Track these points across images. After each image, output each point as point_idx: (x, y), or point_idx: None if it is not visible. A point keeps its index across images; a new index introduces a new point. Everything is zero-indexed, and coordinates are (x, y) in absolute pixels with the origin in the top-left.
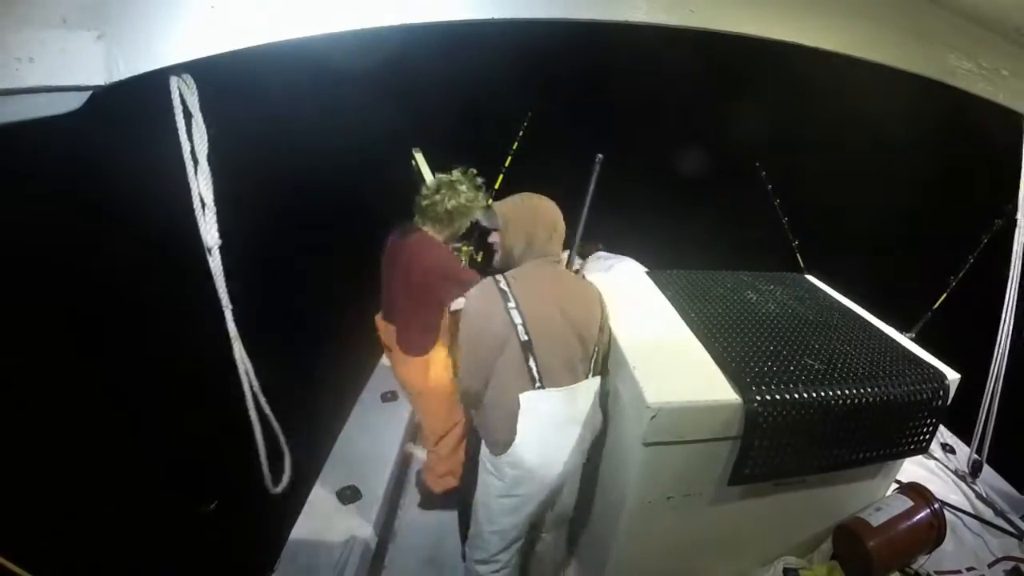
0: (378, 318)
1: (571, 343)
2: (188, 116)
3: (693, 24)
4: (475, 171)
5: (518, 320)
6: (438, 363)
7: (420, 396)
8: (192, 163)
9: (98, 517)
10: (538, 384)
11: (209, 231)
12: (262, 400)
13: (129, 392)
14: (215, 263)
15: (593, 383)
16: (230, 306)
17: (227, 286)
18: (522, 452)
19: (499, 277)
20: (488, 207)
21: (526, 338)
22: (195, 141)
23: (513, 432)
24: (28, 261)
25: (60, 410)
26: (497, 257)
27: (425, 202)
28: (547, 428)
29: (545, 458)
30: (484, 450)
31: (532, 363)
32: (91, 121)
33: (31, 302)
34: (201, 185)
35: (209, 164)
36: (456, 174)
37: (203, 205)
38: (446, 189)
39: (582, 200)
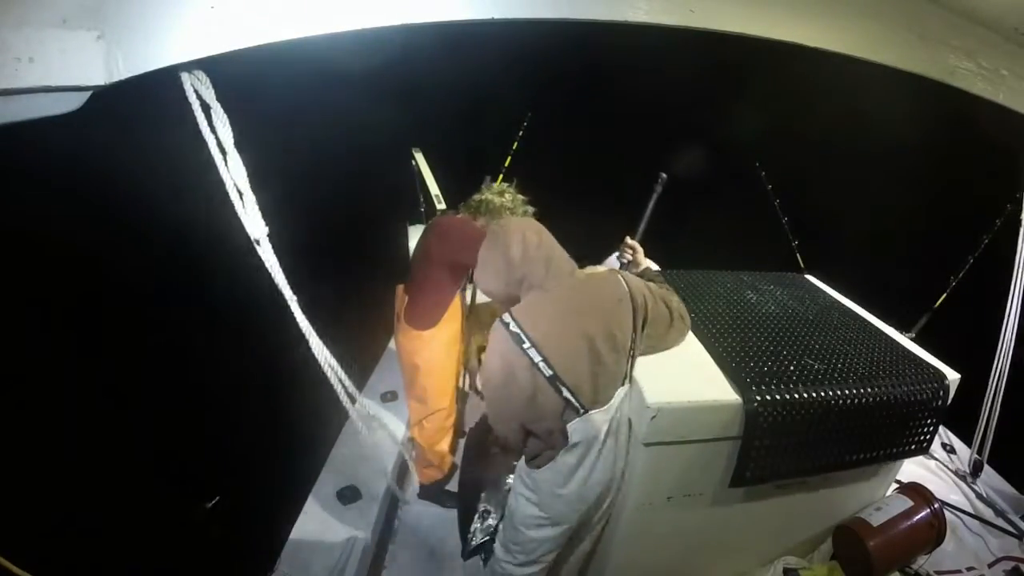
0: (399, 287)
1: (608, 358)
2: (207, 109)
3: (693, 24)
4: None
5: (536, 358)
6: (436, 344)
7: (409, 371)
8: (220, 155)
9: (98, 517)
10: (582, 411)
11: (254, 221)
12: (347, 383)
13: (127, 391)
14: (267, 253)
15: (627, 389)
16: (294, 297)
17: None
18: (567, 467)
19: (507, 319)
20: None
21: (550, 372)
22: (219, 132)
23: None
24: (27, 261)
25: (54, 411)
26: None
27: (474, 194)
28: (593, 450)
29: (587, 475)
30: (521, 464)
31: (567, 393)
32: (91, 121)
33: (30, 302)
34: (235, 175)
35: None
36: (513, 189)
37: (241, 196)
38: (495, 188)
39: (639, 217)
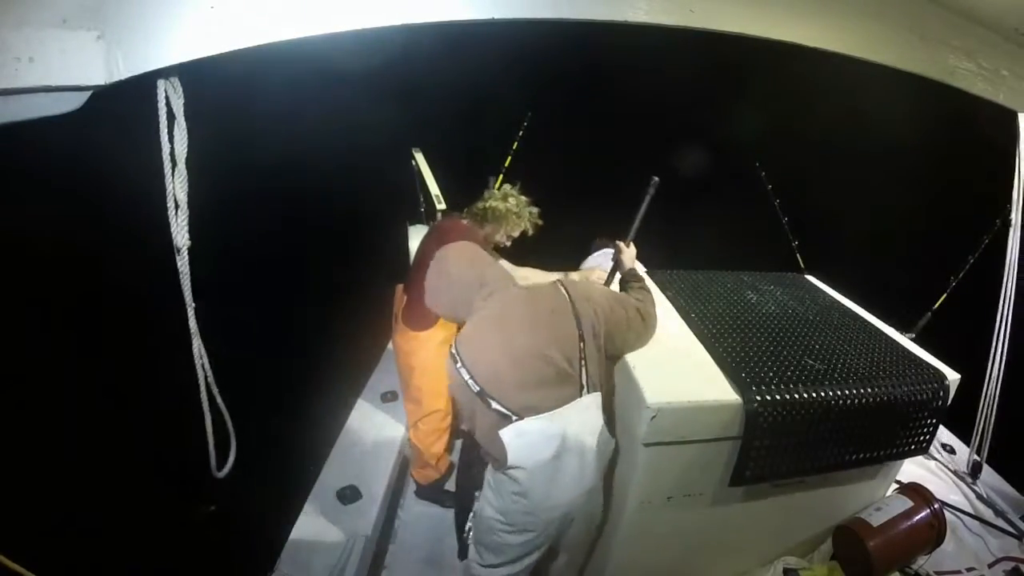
0: (399, 287)
1: (536, 368)
2: (172, 118)
3: (693, 24)
4: (532, 204)
5: (466, 376)
6: (432, 345)
7: (405, 372)
8: (170, 165)
9: (98, 517)
10: (515, 418)
11: (180, 232)
12: (214, 389)
13: (129, 393)
14: (183, 263)
15: (588, 401)
16: (193, 304)
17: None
18: (520, 477)
19: (452, 343)
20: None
21: (478, 388)
22: (175, 143)
23: (505, 458)
24: (27, 261)
25: (53, 410)
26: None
27: (479, 201)
28: (541, 458)
29: (545, 489)
30: (489, 467)
31: (496, 405)
32: (91, 121)
33: (29, 302)
34: (177, 187)
35: (188, 167)
36: (516, 191)
37: (176, 207)
38: (499, 193)
39: (631, 220)
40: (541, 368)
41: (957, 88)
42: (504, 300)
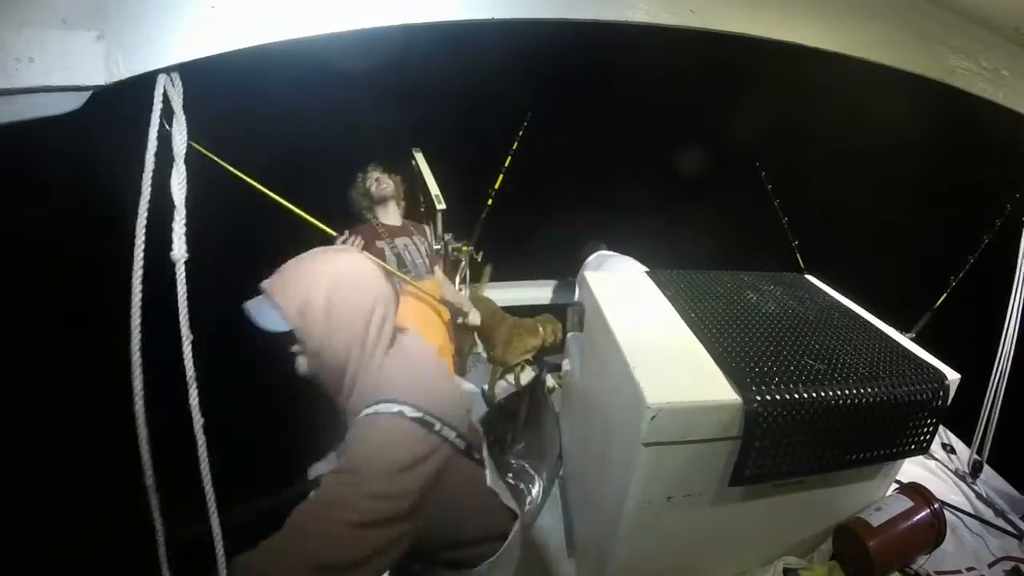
0: None
1: None
2: (170, 115)
3: (693, 24)
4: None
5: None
6: None
7: None
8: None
9: (98, 518)
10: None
11: (177, 240)
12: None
13: (126, 394)
14: (179, 280)
15: None
16: (191, 336)
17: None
18: None
19: None
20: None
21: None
22: (175, 141)
23: None
24: (27, 261)
25: (52, 410)
26: None
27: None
28: None
29: None
30: None
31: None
32: (91, 121)
33: (29, 302)
34: (174, 188)
35: (188, 167)
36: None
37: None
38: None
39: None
40: None
41: (957, 88)
42: None
